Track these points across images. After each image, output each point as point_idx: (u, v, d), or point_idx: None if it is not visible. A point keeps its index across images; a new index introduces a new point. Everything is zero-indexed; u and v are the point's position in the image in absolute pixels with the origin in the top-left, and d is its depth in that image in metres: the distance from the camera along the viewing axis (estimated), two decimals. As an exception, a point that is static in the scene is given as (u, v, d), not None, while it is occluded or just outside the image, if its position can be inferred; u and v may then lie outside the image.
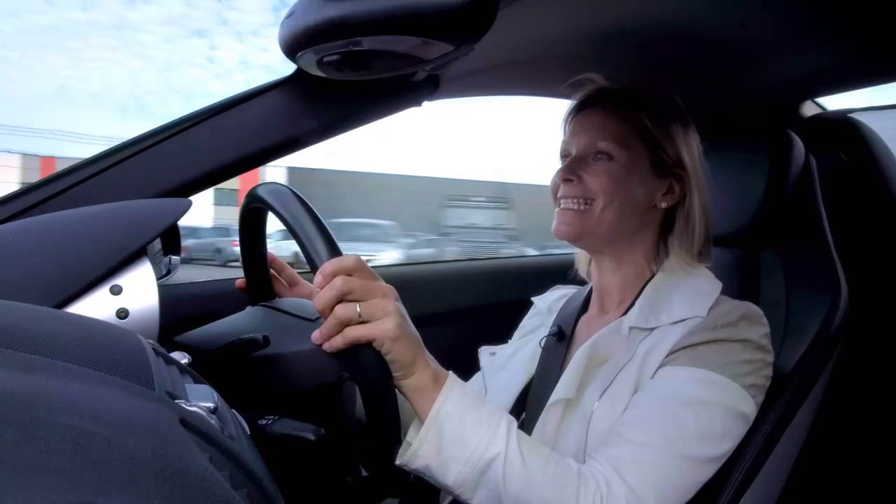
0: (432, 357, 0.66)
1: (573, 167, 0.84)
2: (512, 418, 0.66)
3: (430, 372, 0.64)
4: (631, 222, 0.85)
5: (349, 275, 0.60)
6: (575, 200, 0.84)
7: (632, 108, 0.86)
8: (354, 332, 0.59)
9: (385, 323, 0.59)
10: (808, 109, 1.35)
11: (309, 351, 0.64)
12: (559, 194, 0.86)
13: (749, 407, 0.73)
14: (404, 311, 0.62)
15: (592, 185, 0.83)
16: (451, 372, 0.67)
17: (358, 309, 0.59)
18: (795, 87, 1.26)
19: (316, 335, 0.61)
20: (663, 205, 0.85)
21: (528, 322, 1.04)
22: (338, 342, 0.60)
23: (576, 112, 0.90)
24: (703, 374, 0.71)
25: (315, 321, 0.73)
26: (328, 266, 0.59)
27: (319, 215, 0.62)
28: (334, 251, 0.60)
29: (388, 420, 0.62)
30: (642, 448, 0.67)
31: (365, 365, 0.60)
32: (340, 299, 0.59)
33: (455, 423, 0.63)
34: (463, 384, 0.66)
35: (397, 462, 0.65)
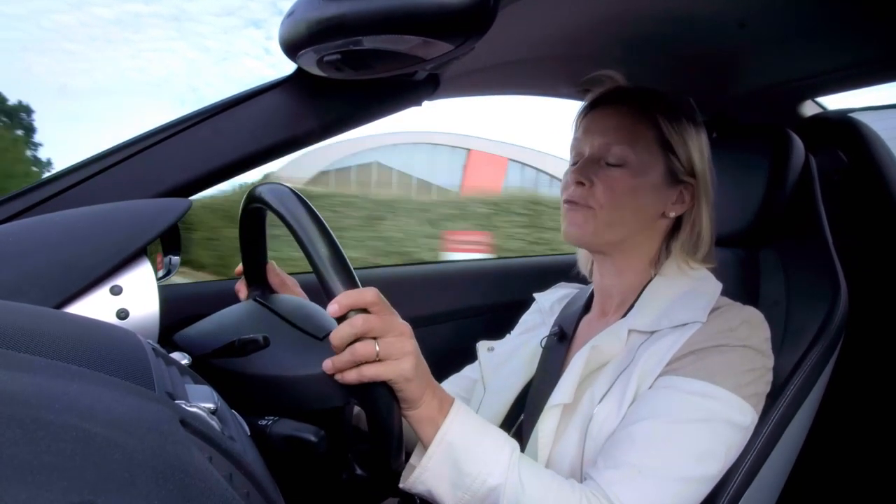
0: (438, 384, 0.66)
1: (586, 170, 0.81)
2: (515, 444, 0.67)
3: (436, 402, 0.64)
4: (639, 230, 0.83)
5: (366, 309, 0.59)
6: (585, 206, 0.81)
7: (648, 109, 0.83)
8: (371, 371, 0.59)
9: (402, 363, 0.59)
10: (808, 109, 1.35)
11: (318, 376, 0.63)
12: (568, 196, 0.83)
13: (749, 418, 0.73)
14: (417, 347, 0.62)
15: (604, 191, 0.80)
16: (455, 398, 0.67)
17: (376, 347, 0.58)
18: (795, 87, 1.25)
19: (328, 365, 0.61)
20: (672, 214, 0.84)
21: (528, 318, 1.03)
22: (352, 377, 0.59)
23: (590, 109, 0.87)
24: (705, 387, 0.70)
25: (323, 339, 0.72)
26: (346, 299, 0.58)
27: (326, 223, 0.60)
28: (351, 280, 0.59)
29: (393, 447, 0.62)
30: (641, 471, 0.67)
31: (377, 400, 0.61)
32: (359, 337, 0.58)
33: (458, 452, 0.63)
34: (467, 411, 0.67)
35: (400, 486, 0.66)
